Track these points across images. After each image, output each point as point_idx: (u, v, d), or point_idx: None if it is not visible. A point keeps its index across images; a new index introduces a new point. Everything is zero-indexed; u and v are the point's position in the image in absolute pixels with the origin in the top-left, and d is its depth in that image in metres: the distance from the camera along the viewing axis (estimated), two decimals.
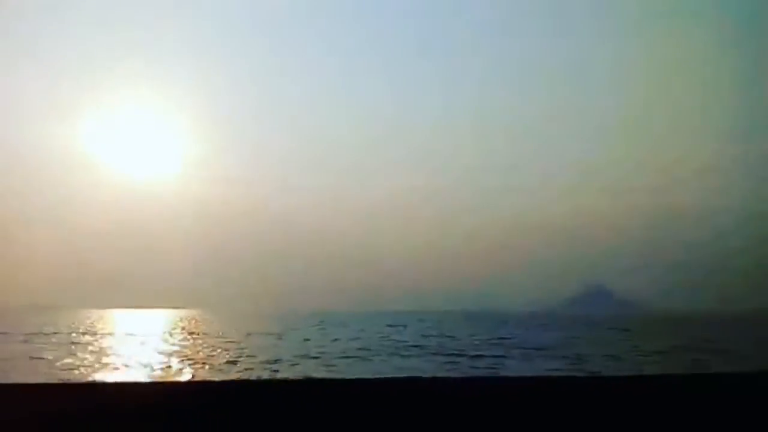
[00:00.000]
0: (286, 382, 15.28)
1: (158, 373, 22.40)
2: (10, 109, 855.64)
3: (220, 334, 54.29)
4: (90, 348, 34.77)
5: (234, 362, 27.01)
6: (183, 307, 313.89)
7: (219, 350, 33.68)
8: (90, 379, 20.07)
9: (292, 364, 25.30)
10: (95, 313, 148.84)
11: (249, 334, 52.13)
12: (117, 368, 23.52)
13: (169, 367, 24.52)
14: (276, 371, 22.47)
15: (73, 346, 35.44)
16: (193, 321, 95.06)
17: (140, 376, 21.21)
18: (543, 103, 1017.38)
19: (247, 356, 29.65)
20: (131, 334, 51.77)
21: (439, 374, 20.38)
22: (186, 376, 21.03)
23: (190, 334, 53.46)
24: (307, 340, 45.44)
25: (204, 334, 54.76)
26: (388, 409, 3.84)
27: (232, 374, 21.13)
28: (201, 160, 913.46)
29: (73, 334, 49.05)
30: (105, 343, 39.56)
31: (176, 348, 36.24)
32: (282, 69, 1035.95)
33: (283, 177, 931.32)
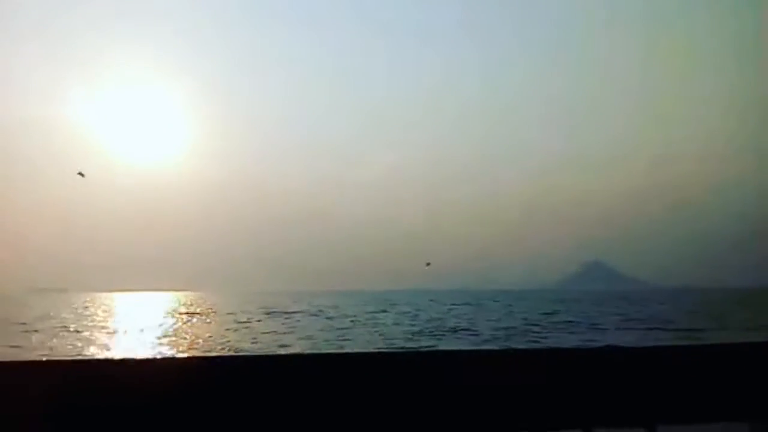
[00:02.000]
0: (287, 357, 14.61)
1: None
2: (14, 91, 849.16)
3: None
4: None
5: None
6: (185, 290, 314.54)
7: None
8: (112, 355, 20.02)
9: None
10: (99, 297, 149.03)
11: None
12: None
13: None
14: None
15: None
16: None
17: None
18: (551, 85, 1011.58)
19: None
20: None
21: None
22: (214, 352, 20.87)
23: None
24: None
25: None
26: (390, 381, 3.79)
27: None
28: (202, 144, 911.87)
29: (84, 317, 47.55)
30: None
31: None
32: (282, 55, 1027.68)
33: (284, 161, 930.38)
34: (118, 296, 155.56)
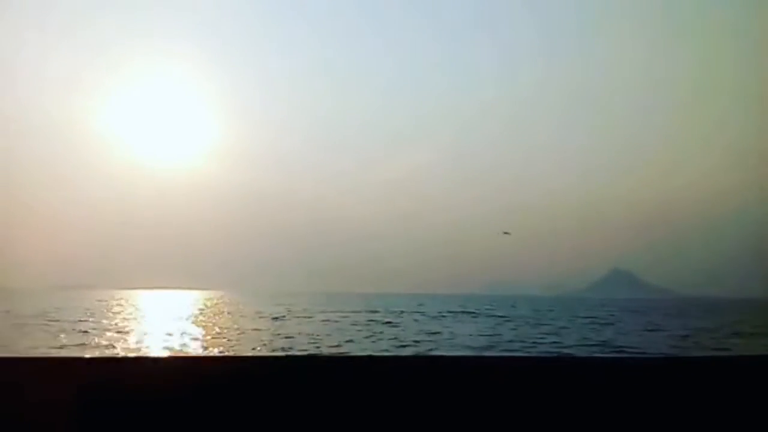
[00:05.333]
0: (299, 359, 15.03)
1: None
2: (42, 92, 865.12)
3: None
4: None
5: None
6: (208, 289, 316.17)
7: None
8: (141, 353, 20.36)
9: None
10: (126, 294, 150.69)
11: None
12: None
13: None
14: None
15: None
16: None
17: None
18: (576, 91, 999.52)
19: None
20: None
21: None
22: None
23: None
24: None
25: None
26: (391, 387, 4.37)
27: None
28: (227, 144, 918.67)
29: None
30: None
31: None
32: (304, 56, 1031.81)
33: (307, 161, 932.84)
34: (148, 294, 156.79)
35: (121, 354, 19.73)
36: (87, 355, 17.75)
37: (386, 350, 21.72)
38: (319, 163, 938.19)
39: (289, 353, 19.83)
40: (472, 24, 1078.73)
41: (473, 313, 54.67)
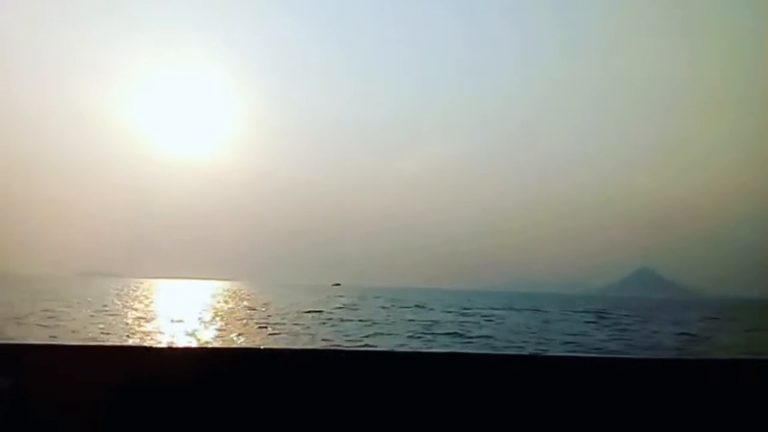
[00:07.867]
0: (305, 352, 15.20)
1: None
2: (65, 81, 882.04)
3: None
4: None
5: None
6: (229, 279, 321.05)
7: None
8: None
9: None
10: (147, 283, 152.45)
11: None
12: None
13: None
14: None
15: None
16: None
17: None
18: (599, 82, 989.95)
19: None
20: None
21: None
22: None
23: None
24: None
25: None
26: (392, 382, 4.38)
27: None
28: (248, 136, 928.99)
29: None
30: None
31: None
32: (324, 48, 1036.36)
33: (327, 154, 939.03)
34: (178, 284, 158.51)
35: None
36: (104, 344, 17.68)
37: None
38: (339, 156, 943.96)
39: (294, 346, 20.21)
40: (494, 19, 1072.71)
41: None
